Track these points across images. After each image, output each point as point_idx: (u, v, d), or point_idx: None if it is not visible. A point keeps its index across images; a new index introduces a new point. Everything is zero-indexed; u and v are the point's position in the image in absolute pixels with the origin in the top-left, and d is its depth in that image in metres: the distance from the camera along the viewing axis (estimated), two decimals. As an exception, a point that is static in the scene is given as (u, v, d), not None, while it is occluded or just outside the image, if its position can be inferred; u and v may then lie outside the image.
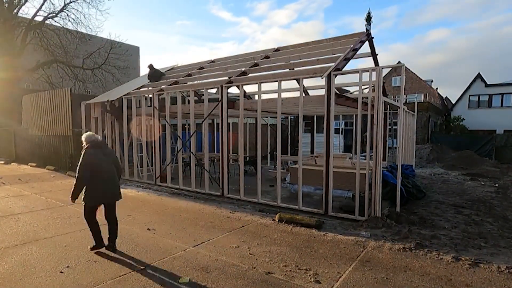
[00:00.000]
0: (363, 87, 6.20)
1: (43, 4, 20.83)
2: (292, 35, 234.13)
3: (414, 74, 32.95)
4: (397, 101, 7.49)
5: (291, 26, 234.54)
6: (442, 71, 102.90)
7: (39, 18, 20.91)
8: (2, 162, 15.17)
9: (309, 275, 3.81)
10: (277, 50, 9.89)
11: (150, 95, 9.91)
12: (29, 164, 14.04)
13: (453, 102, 31.57)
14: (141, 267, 3.94)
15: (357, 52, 7.64)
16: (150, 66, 11.44)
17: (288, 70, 8.33)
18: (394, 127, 11.22)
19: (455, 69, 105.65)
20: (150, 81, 11.19)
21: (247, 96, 12.35)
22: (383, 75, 6.18)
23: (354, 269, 3.99)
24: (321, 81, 6.41)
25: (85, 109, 12.00)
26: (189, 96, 9.63)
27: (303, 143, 7.20)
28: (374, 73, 5.88)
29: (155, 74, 11.25)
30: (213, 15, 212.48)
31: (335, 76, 6.24)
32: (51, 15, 20.86)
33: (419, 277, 3.80)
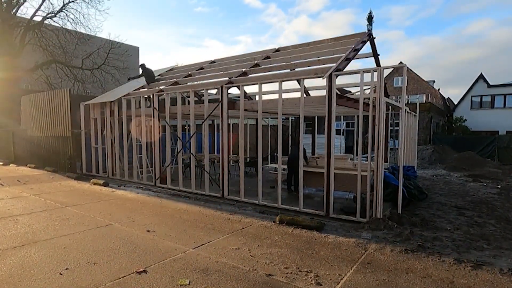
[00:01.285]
0: (364, 87, 6.16)
1: (42, 4, 20.78)
2: (318, 27, 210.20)
3: (416, 74, 32.94)
4: (399, 101, 7.46)
5: (321, 14, 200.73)
6: (474, 67, 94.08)
7: (38, 18, 20.92)
8: (1, 163, 15.14)
9: (310, 277, 3.77)
10: (277, 50, 9.89)
11: (150, 96, 9.88)
12: (28, 165, 14.00)
13: (456, 103, 31.53)
14: (141, 269, 3.90)
15: (359, 53, 7.63)
16: (142, 66, 11.06)
17: (289, 70, 8.31)
18: (395, 128, 11.18)
19: (487, 65, 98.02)
20: (147, 81, 11.02)
21: (248, 97, 12.32)
22: (385, 75, 6.14)
23: (355, 271, 3.95)
24: (322, 82, 6.39)
25: (85, 109, 11.99)
26: (189, 96, 9.60)
27: (304, 144, 7.17)
28: (375, 73, 5.86)
29: (150, 74, 11.09)
30: (236, 1, 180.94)
31: (336, 77, 6.21)
32: (50, 15, 20.86)
33: (421, 279, 3.76)
